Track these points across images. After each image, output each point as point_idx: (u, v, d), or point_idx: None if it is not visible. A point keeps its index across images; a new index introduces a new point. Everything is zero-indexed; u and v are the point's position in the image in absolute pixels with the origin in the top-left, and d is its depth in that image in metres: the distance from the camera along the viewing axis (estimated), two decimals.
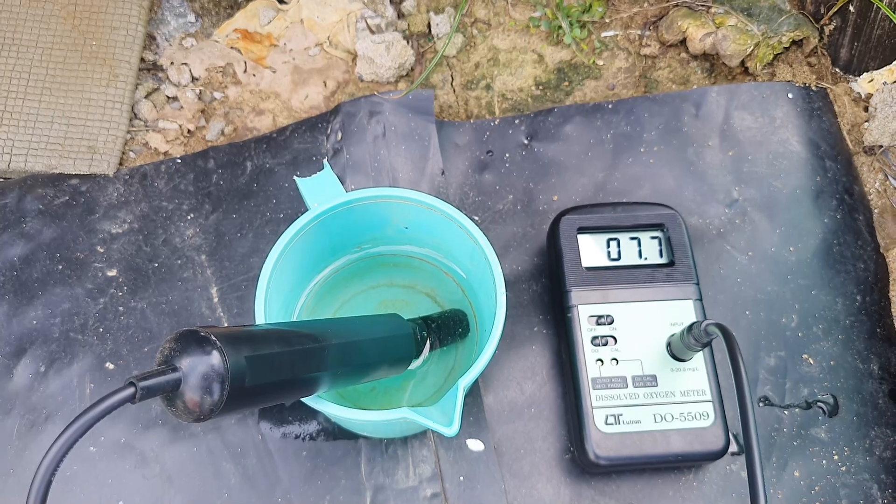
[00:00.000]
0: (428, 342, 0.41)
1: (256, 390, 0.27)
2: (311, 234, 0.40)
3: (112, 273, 0.50)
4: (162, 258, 0.51)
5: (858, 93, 0.57)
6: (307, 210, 0.40)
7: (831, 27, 0.57)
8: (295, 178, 0.40)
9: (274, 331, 0.30)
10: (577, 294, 0.45)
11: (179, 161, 0.54)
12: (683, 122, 0.54)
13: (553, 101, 0.57)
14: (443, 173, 0.52)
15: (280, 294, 0.39)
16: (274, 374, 0.28)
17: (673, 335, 0.44)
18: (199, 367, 0.25)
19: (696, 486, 0.45)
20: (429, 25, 0.59)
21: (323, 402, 0.34)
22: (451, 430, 0.32)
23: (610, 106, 0.55)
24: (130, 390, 0.24)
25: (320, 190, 0.40)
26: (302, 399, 0.33)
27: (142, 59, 0.58)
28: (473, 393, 0.46)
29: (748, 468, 0.33)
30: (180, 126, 0.56)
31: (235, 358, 0.26)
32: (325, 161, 0.42)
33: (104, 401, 0.24)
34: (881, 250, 0.52)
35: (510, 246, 0.51)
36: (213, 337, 0.26)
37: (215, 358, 0.25)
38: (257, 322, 0.36)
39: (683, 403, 0.43)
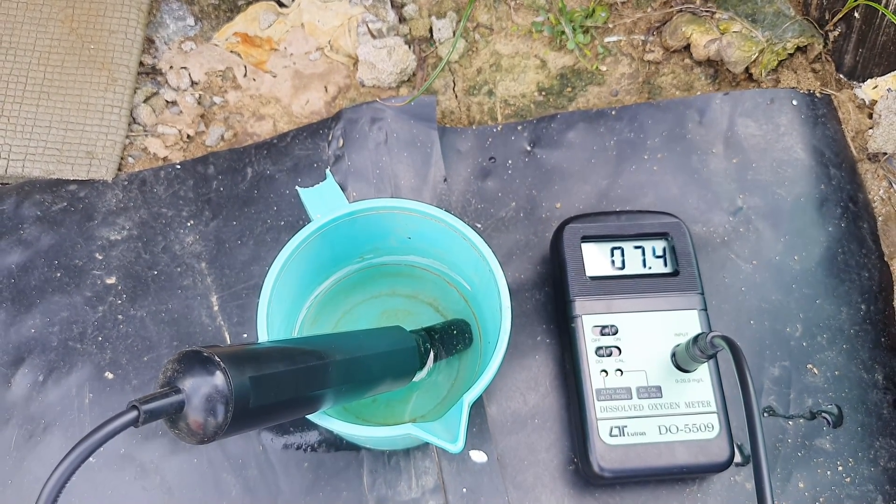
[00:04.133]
0: (431, 354, 0.41)
1: (261, 411, 0.27)
2: (313, 246, 0.39)
3: (111, 281, 0.50)
4: (161, 266, 0.50)
5: (863, 99, 0.56)
6: (309, 218, 0.39)
7: (836, 33, 0.57)
8: (297, 188, 0.40)
9: (277, 349, 0.29)
10: (581, 304, 0.45)
11: (179, 167, 0.53)
12: (687, 128, 0.54)
13: (556, 108, 0.56)
14: (445, 180, 0.51)
15: (282, 307, 0.39)
16: (278, 394, 0.28)
17: (678, 346, 0.43)
18: (202, 389, 0.25)
19: (700, 498, 0.44)
20: (430, 30, 0.58)
21: (326, 419, 0.34)
22: (456, 447, 0.32)
23: (613, 112, 0.55)
24: (133, 414, 0.24)
25: (322, 200, 0.39)
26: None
27: (141, 63, 0.57)
28: (476, 404, 0.46)
29: (756, 484, 0.33)
30: (180, 131, 0.55)
31: (239, 378, 0.26)
32: (327, 171, 0.42)
33: (106, 425, 0.24)
34: (885, 258, 0.51)
35: (513, 254, 0.51)
36: (216, 357, 0.25)
37: (219, 379, 0.25)
38: (260, 338, 0.36)
39: (688, 415, 0.43)
